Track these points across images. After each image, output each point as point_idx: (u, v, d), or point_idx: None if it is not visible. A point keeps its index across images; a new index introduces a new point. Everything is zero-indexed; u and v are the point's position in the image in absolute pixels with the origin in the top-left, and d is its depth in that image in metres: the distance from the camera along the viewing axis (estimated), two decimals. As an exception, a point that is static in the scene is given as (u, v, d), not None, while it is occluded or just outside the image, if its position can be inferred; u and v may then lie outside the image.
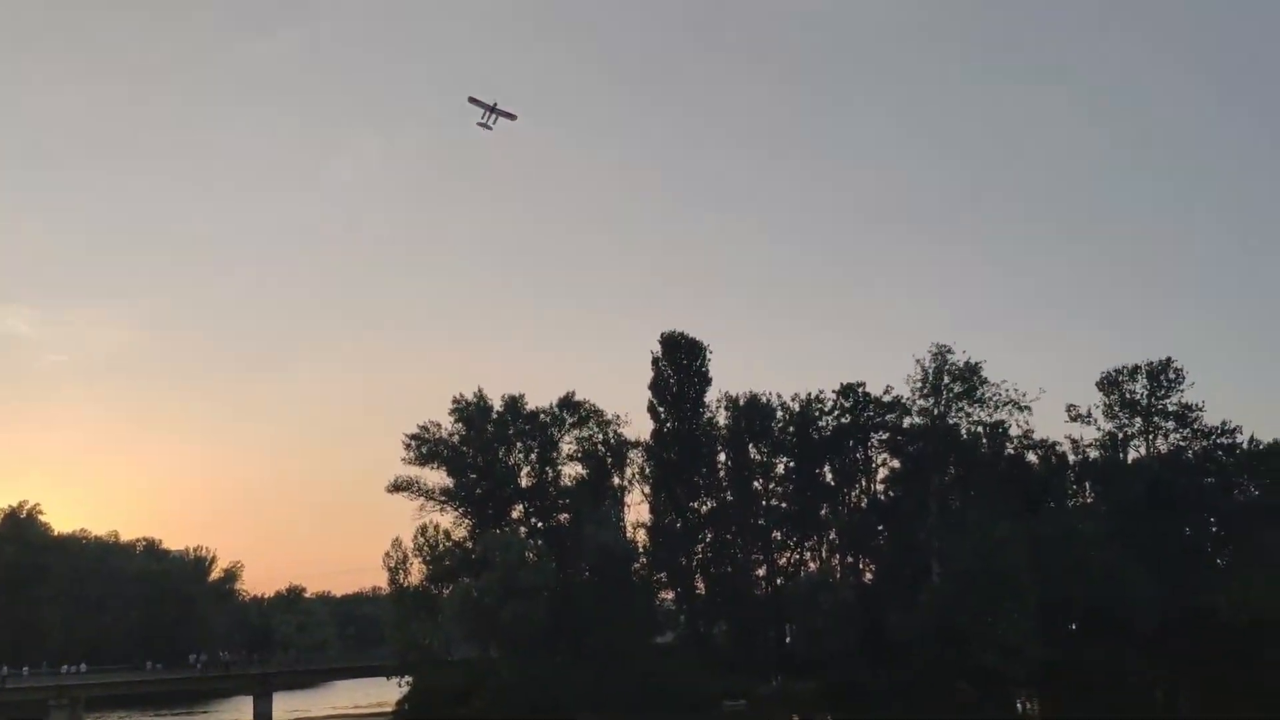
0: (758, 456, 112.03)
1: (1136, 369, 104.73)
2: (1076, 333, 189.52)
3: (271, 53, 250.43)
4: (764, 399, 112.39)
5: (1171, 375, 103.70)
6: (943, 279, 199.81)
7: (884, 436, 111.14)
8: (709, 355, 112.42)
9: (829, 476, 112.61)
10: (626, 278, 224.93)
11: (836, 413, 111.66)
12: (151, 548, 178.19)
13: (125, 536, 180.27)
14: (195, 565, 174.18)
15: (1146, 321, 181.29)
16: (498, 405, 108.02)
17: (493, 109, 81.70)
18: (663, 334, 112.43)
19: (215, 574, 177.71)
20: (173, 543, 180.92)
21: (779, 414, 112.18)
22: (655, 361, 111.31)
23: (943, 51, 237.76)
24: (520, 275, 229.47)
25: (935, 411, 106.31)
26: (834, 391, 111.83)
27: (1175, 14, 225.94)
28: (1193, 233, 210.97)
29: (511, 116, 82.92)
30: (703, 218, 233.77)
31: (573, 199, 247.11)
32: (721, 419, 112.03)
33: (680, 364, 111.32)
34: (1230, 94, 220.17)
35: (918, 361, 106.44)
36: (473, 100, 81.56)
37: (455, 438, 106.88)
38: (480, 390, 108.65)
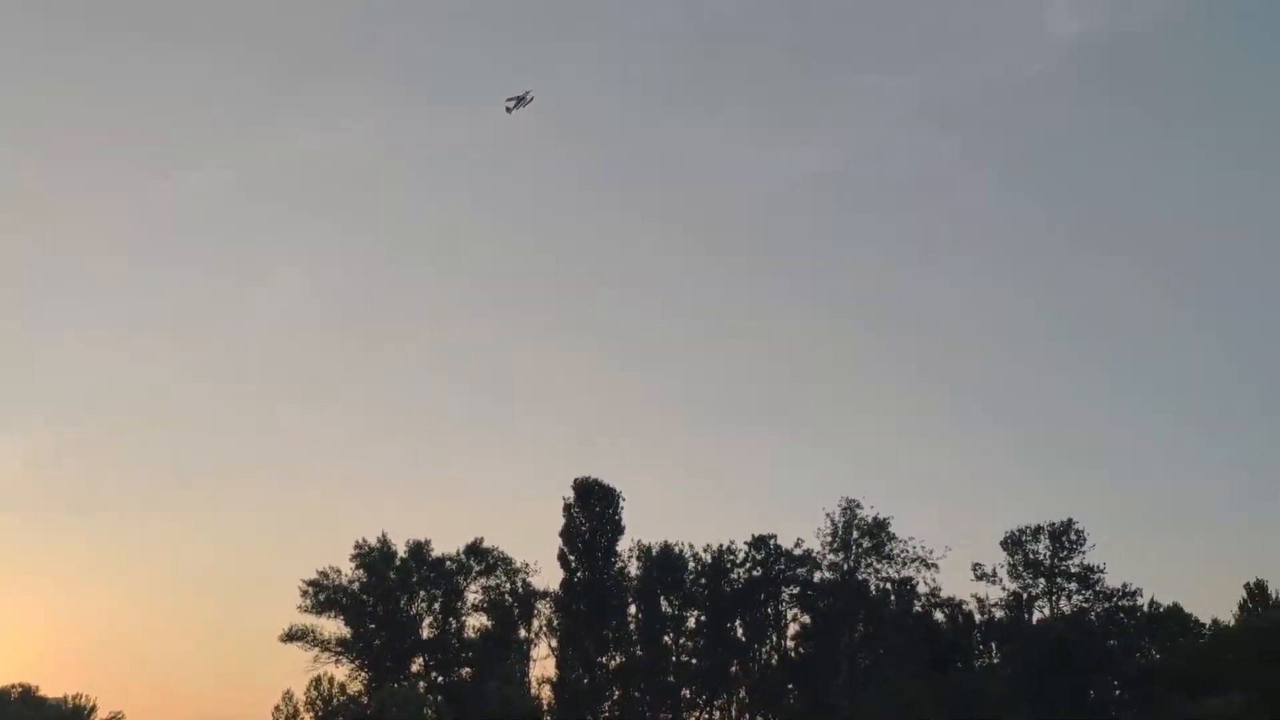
0: (669, 609, 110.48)
1: (1039, 529, 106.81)
2: (981, 490, 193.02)
3: (186, 191, 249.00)
4: (676, 549, 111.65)
5: (1073, 536, 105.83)
6: (852, 431, 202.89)
7: (795, 591, 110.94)
8: (622, 502, 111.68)
9: (740, 631, 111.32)
10: (541, 421, 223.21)
11: (748, 565, 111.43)
12: (28, 695, 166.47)
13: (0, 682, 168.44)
14: (74, 714, 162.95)
15: (1049, 480, 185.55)
16: (402, 551, 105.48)
17: (521, 99, 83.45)
18: (576, 479, 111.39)
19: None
20: (50, 689, 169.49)
21: (691, 564, 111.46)
22: (567, 508, 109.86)
23: (863, 213, 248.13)
24: (430, 414, 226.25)
25: (845, 567, 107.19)
26: (746, 543, 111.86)
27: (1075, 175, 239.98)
28: (1095, 393, 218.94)
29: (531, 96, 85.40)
30: (620, 362, 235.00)
31: (488, 338, 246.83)
32: (633, 568, 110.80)
33: (593, 511, 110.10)
34: (1134, 266, 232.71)
35: (828, 515, 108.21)
36: (509, 99, 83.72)
37: (355, 585, 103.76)
38: (384, 535, 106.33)
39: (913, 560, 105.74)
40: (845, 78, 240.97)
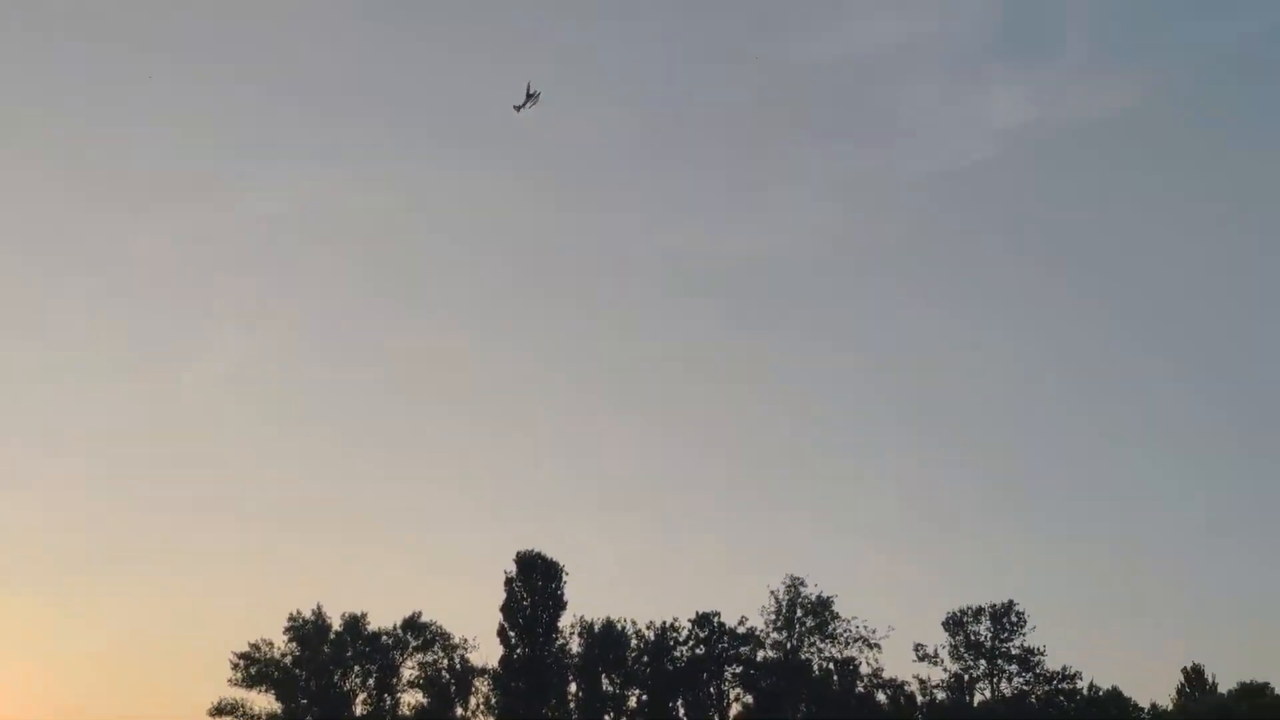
0: (610, 688, 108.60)
1: (980, 610, 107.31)
2: (925, 568, 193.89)
3: (129, 248, 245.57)
4: (619, 625, 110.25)
5: (1014, 618, 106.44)
6: (798, 508, 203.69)
7: (738, 670, 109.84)
8: (565, 576, 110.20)
9: (682, 711, 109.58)
10: (484, 492, 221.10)
11: (691, 642, 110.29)
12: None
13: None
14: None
15: (992, 561, 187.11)
16: (337, 624, 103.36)
17: (531, 96, 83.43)
18: (518, 553, 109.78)
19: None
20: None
21: (634, 642, 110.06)
22: (509, 582, 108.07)
23: (810, 292, 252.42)
24: (370, 482, 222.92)
25: (788, 645, 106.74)
26: (690, 620, 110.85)
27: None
28: (1035, 475, 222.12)
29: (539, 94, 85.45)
30: (565, 433, 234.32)
31: (431, 406, 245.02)
32: (575, 645, 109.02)
33: (535, 585, 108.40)
34: (1076, 351, 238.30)
35: (772, 593, 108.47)
36: (516, 106, 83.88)
37: (288, 659, 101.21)
38: (319, 607, 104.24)
39: (855, 640, 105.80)
40: (795, 160, 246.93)
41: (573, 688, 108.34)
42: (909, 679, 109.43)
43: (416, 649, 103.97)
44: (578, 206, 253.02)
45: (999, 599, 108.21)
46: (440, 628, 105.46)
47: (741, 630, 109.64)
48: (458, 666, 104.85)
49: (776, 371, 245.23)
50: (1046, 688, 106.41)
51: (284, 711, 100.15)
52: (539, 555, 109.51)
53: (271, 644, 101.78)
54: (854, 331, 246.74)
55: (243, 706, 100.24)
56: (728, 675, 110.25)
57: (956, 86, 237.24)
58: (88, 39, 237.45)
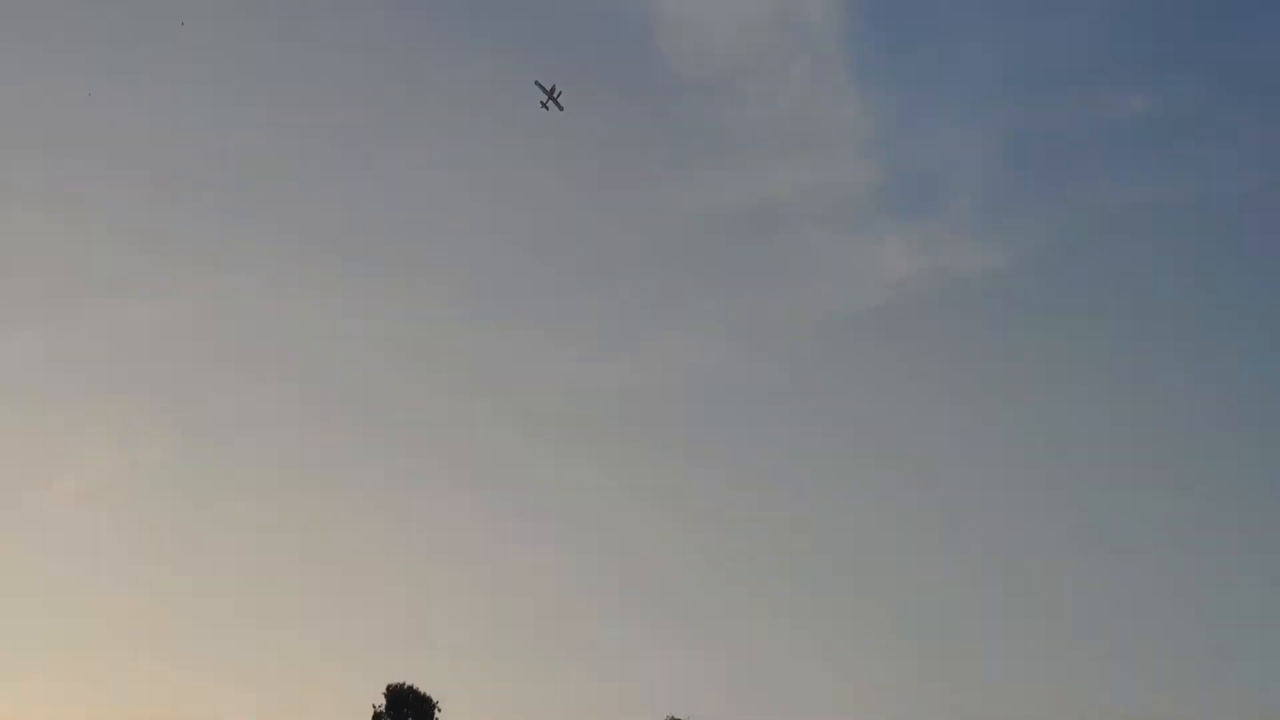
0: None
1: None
2: (809, 705, 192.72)
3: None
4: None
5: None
6: (678, 643, 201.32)
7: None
8: (439, 712, 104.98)
9: None
10: (353, 619, 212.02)
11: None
12: None
13: None
14: None
15: (871, 696, 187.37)
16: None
17: (550, 93, 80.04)
18: (389, 685, 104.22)
19: None
20: None
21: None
22: (376, 716, 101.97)
23: (689, 429, 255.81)
24: (234, 604, 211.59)
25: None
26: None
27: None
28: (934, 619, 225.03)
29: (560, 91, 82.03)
30: (439, 562, 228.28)
31: (302, 527, 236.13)
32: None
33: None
34: (954, 502, 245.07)
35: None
36: (542, 104, 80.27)
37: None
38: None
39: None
40: (680, 300, 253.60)
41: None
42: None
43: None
44: (459, 336, 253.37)
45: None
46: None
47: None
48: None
49: (659, 503, 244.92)
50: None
51: None
52: (411, 688, 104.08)
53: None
54: (732, 472, 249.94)
55: None
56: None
57: (846, 235, 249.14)
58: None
